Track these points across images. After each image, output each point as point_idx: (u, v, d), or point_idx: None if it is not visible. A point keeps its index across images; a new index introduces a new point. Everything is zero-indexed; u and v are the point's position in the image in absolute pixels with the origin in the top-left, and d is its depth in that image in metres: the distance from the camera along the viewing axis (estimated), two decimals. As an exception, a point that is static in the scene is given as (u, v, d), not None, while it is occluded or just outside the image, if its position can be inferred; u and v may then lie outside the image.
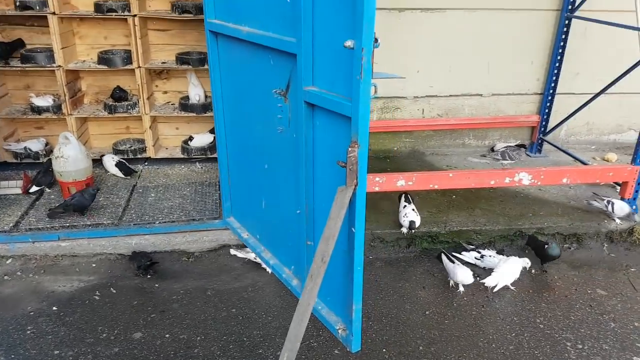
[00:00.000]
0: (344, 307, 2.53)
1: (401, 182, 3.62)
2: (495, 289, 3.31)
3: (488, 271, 3.54)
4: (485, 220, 3.98)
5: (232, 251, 3.57)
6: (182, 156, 4.75)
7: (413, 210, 3.77)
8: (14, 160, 4.43)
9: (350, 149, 2.01)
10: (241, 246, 3.66)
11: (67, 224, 3.58)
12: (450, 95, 5.12)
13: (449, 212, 4.06)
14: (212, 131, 4.77)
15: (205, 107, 4.54)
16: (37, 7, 4.02)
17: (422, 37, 4.77)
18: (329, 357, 2.76)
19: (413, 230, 3.69)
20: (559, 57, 4.85)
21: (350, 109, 2.01)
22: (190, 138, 4.72)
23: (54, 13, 4.00)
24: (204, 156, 4.76)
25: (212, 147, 4.75)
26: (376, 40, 1.91)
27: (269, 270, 3.41)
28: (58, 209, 3.66)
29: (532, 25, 4.86)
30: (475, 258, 3.65)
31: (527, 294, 3.35)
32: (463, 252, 3.69)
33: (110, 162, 4.39)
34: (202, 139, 4.74)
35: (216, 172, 4.65)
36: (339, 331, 2.58)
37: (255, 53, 2.73)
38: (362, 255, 2.26)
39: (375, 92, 1.96)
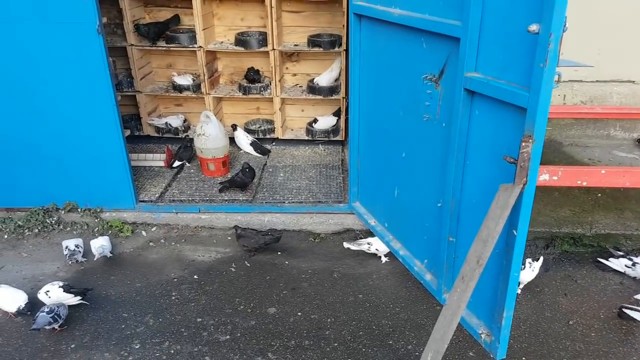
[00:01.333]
0: (488, 311, 2.39)
1: (544, 176, 3.30)
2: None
3: (639, 282, 3.17)
4: (637, 224, 3.55)
5: (346, 244, 3.47)
6: (306, 138, 4.81)
7: None
8: (156, 135, 4.78)
9: (523, 144, 1.84)
10: (365, 233, 3.62)
11: (207, 198, 3.79)
12: (597, 81, 4.62)
13: (594, 213, 3.68)
14: (335, 114, 4.77)
15: (332, 90, 4.53)
16: (182, -12, 4.23)
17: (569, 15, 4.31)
18: (463, 358, 2.64)
19: None
20: None
21: (527, 99, 1.83)
22: (315, 120, 4.75)
23: (198, -7, 4.19)
24: (327, 138, 4.78)
25: (335, 129, 4.75)
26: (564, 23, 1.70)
27: (382, 259, 3.36)
28: (225, 183, 3.92)
29: None
30: (626, 266, 3.28)
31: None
32: (610, 259, 3.34)
33: (245, 140, 4.57)
34: (326, 122, 4.75)
35: (338, 155, 4.66)
36: (482, 336, 2.44)
37: (405, 36, 2.61)
38: (520, 260, 2.09)
39: (558, 81, 1.76)
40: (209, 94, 4.53)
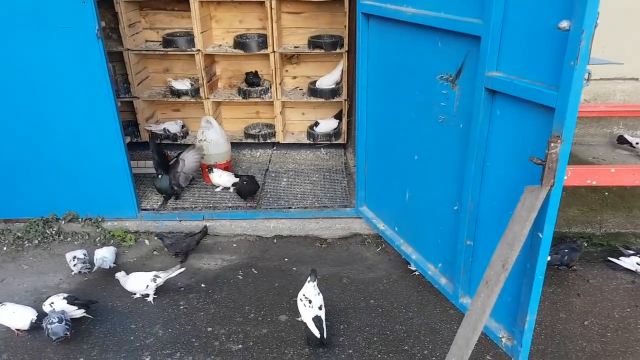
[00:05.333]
0: (509, 314, 2.34)
1: (554, 177, 3.29)
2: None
3: (651, 280, 3.16)
4: (646, 223, 3.54)
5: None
6: (307, 141, 4.74)
7: None
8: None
9: (552, 144, 1.79)
10: (373, 237, 3.57)
11: (210, 205, 3.70)
12: (601, 79, 4.61)
13: (603, 212, 3.67)
14: (336, 116, 4.71)
15: (334, 93, 4.47)
16: (179, -8, 4.15)
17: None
18: (480, 362, 2.59)
19: None
20: None
21: (555, 98, 1.78)
22: (316, 123, 4.68)
23: (195, -4, 4.11)
24: (328, 142, 4.71)
25: (336, 132, 4.69)
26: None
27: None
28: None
29: None
30: (637, 264, 3.27)
31: None
32: (621, 257, 3.32)
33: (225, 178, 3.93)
34: (327, 125, 4.69)
35: (341, 158, 4.60)
36: (503, 339, 2.39)
37: (418, 36, 2.56)
38: (545, 263, 2.04)
39: (588, 79, 1.71)
40: (208, 98, 4.44)
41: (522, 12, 1.93)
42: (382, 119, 3.17)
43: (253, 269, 3.32)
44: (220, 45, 4.56)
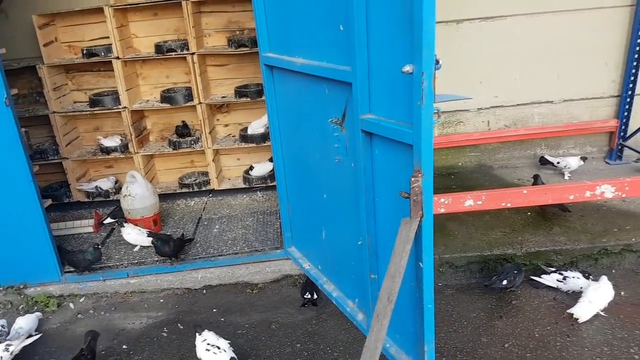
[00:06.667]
0: (414, 345, 2.37)
1: (469, 202, 3.40)
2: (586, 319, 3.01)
3: (572, 295, 3.25)
4: (565, 238, 3.67)
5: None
6: (243, 186, 4.79)
7: None
8: (87, 200, 4.65)
9: (413, 179, 1.88)
10: (304, 277, 3.58)
11: (136, 261, 3.67)
12: (518, 105, 4.85)
13: (525, 232, 3.78)
14: (271, 159, 4.78)
15: (264, 137, 4.57)
16: (103, 53, 4.24)
17: (483, 47, 4.58)
18: (401, 397, 2.59)
19: None
20: (636, 56, 4.47)
21: (411, 136, 1.89)
22: (251, 167, 4.76)
23: (118, 57, 4.21)
24: (264, 184, 4.77)
25: (271, 175, 4.75)
26: (437, 61, 1.79)
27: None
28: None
29: (603, 24, 4.53)
30: (558, 280, 3.35)
31: (617, 320, 3.01)
32: (543, 275, 3.41)
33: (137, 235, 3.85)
34: (262, 168, 4.76)
35: (277, 200, 4.63)
36: (412, 370, 2.41)
37: (310, 83, 2.68)
38: (432, 291, 2.10)
39: (439, 117, 1.83)
40: (137, 152, 4.48)
41: (381, 58, 2.06)
42: (296, 161, 3.26)
43: (179, 324, 3.27)
44: (148, 101, 4.64)
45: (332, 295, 3.13)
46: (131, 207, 3.88)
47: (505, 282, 3.30)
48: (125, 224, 3.88)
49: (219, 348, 2.64)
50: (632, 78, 4.57)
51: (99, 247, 3.68)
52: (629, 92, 4.63)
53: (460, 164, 5.03)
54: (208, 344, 2.67)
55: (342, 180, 2.66)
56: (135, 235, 3.81)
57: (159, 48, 4.31)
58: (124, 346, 3.10)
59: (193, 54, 4.24)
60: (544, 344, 2.90)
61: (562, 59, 4.63)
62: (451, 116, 4.84)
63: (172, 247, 3.58)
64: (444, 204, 3.35)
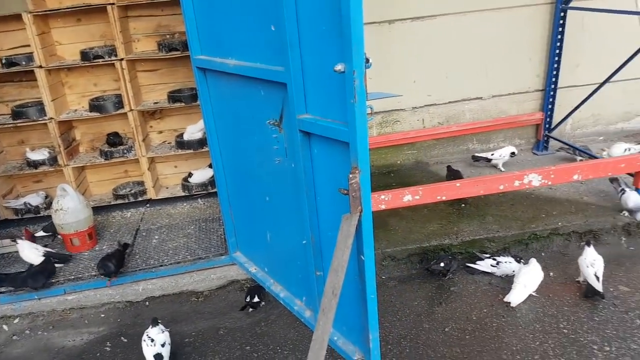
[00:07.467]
0: (360, 335, 2.44)
1: (407, 197, 3.53)
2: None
3: (505, 279, 3.44)
4: (497, 226, 3.88)
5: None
6: (183, 194, 4.69)
7: None
8: (15, 217, 4.38)
9: (351, 175, 1.94)
10: (252, 281, 3.57)
11: (72, 277, 3.50)
12: (450, 102, 5.06)
13: (460, 223, 3.97)
14: (211, 166, 4.72)
15: (202, 143, 4.50)
16: (24, 62, 4.02)
17: (414, 46, 4.74)
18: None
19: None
20: (557, 51, 4.78)
21: (347, 134, 1.95)
22: (190, 174, 4.67)
23: (40, 66, 4.00)
24: (205, 191, 4.70)
25: (212, 181, 4.69)
26: (367, 60, 1.85)
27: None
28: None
29: (526, 22, 4.80)
30: (491, 266, 3.54)
31: (547, 299, 3.23)
32: (478, 262, 3.59)
33: (32, 253, 3.61)
34: (202, 175, 4.68)
35: (219, 206, 4.58)
36: (359, 361, 2.48)
37: (245, 85, 2.69)
38: (374, 283, 2.17)
39: (372, 113, 1.90)
40: (67, 165, 4.27)
41: (314, 58, 2.10)
42: (236, 165, 3.25)
43: (122, 338, 3.16)
44: (76, 110, 4.44)
45: (280, 296, 3.14)
46: (64, 221, 3.70)
47: (442, 264, 3.50)
48: (19, 240, 3.62)
49: (152, 340, 2.77)
50: (555, 72, 4.86)
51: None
52: (552, 86, 4.94)
53: (398, 162, 5.18)
54: (147, 336, 2.82)
55: (283, 181, 2.68)
56: (27, 252, 3.53)
57: (84, 55, 4.14)
58: (64, 366, 2.97)
59: (122, 59, 4.11)
60: (481, 325, 3.06)
61: (490, 56, 4.87)
62: (388, 116, 4.98)
63: (116, 262, 3.45)
64: (384, 200, 3.46)
